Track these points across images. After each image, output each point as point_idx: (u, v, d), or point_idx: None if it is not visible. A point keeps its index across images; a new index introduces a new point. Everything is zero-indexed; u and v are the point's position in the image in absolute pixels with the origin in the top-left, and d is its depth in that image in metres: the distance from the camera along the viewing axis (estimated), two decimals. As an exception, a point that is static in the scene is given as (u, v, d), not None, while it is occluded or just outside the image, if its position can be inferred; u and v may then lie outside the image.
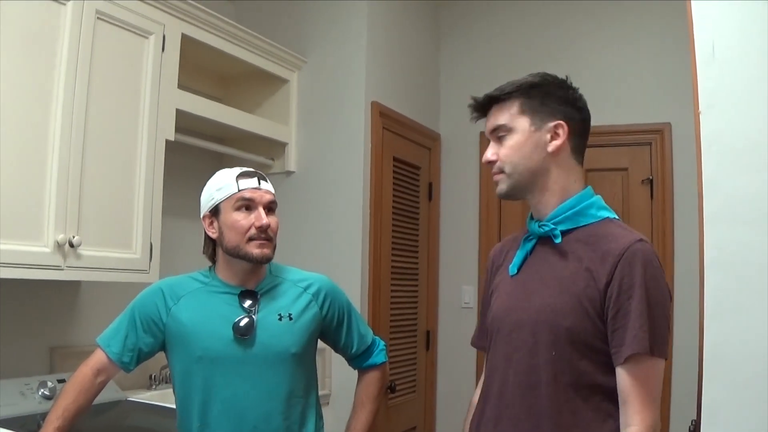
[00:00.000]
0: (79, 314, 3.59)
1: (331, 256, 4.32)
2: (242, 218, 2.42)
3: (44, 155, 2.88)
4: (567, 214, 2.01)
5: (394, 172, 4.71)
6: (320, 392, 4.03)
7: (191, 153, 4.08)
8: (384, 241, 4.55)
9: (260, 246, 2.43)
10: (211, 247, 2.53)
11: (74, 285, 3.55)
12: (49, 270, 2.90)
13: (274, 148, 4.49)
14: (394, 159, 4.72)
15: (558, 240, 1.99)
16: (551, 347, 1.92)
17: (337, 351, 2.75)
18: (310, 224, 4.42)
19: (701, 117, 1.67)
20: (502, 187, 2.10)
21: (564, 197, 2.03)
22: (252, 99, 4.53)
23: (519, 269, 2.09)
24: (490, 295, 2.22)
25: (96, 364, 2.46)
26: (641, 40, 4.82)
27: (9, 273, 2.74)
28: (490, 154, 2.12)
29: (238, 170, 2.49)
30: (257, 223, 2.42)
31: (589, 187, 2.07)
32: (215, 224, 2.46)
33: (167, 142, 3.49)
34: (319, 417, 2.61)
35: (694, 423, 1.83)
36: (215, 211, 2.46)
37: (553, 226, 2.01)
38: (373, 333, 2.81)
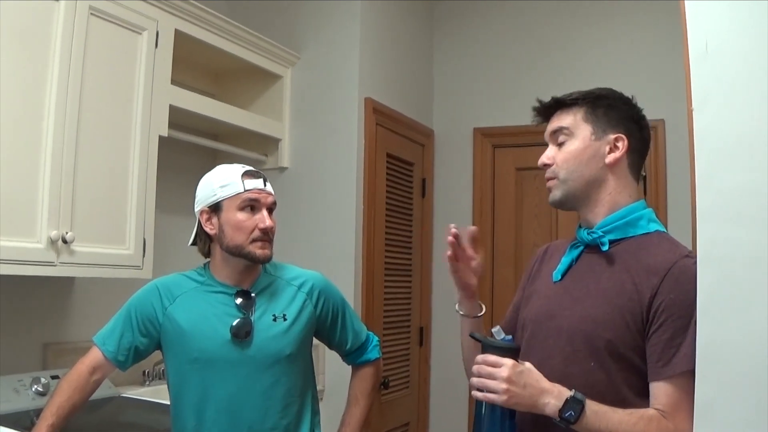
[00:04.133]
0: (73, 310, 3.58)
1: (325, 252, 4.32)
2: (246, 219, 2.43)
3: (37, 151, 2.87)
4: (617, 223, 2.00)
5: (387, 168, 4.71)
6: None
7: (184, 149, 4.07)
8: (377, 237, 4.55)
9: (262, 247, 2.45)
10: (207, 242, 2.53)
11: (67, 281, 3.55)
12: (42, 266, 2.89)
13: (267, 144, 4.49)
14: (388, 155, 4.72)
15: (605, 248, 1.98)
16: (590, 358, 1.91)
17: (331, 347, 2.76)
18: (303, 220, 4.42)
19: (694, 114, 1.67)
20: (556, 193, 2.07)
21: (614, 210, 2.02)
22: (245, 95, 4.52)
23: (563, 275, 2.07)
24: (527, 297, 2.20)
25: (92, 362, 2.46)
26: (635, 37, 4.83)
27: (2, 269, 2.74)
28: (546, 157, 2.09)
29: (240, 168, 2.49)
30: (261, 225, 2.43)
31: (643, 200, 2.06)
32: (214, 221, 2.46)
33: (160, 138, 3.48)
34: (315, 413, 2.63)
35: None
36: (215, 208, 2.45)
37: (601, 234, 1.99)
38: (367, 329, 2.82)
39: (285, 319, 2.49)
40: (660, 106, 4.53)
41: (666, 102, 4.36)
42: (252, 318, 2.45)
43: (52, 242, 2.89)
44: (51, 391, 3.15)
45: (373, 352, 2.80)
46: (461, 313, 2.23)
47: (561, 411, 1.80)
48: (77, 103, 3.01)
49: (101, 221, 3.16)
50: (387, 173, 4.71)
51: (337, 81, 4.44)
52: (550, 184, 2.09)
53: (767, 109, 1.57)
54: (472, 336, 1.97)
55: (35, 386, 3.13)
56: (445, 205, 5.35)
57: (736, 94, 1.63)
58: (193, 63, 4.18)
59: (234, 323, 2.41)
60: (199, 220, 2.50)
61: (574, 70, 4.89)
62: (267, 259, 2.48)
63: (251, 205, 2.44)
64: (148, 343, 2.49)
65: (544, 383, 1.84)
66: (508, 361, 1.84)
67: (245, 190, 2.43)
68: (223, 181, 2.45)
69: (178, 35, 3.61)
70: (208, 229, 2.47)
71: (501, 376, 1.82)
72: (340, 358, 2.83)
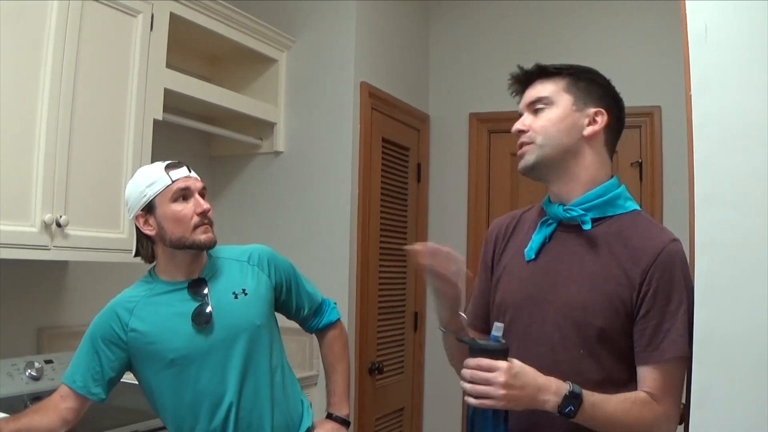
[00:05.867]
0: (67, 294, 3.58)
1: (320, 236, 4.32)
2: (182, 208, 2.41)
3: (32, 135, 2.86)
4: (595, 202, 1.97)
5: (382, 152, 4.71)
6: (307, 373, 4.06)
7: (179, 132, 4.06)
8: (372, 221, 4.55)
9: (205, 231, 2.43)
10: (149, 246, 2.50)
11: (61, 265, 3.54)
12: (36, 250, 2.88)
13: (262, 127, 4.48)
14: (383, 140, 4.71)
15: (588, 227, 1.94)
16: (579, 345, 1.90)
17: (290, 317, 2.77)
18: (298, 204, 4.42)
19: (693, 99, 1.67)
20: (529, 158, 2.01)
21: (591, 187, 1.99)
22: (240, 79, 4.51)
23: (537, 254, 2.03)
24: (497, 277, 2.15)
25: (60, 392, 2.42)
26: (631, 23, 4.81)
27: (-4, 253, 2.73)
28: (522, 123, 2.04)
29: (161, 163, 2.48)
30: (198, 210, 2.42)
31: (616, 176, 2.04)
32: (151, 221, 2.43)
33: (155, 121, 3.47)
34: (296, 381, 2.68)
35: (683, 405, 1.84)
36: (149, 208, 2.42)
37: (582, 212, 1.96)
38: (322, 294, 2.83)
39: (245, 294, 2.50)
40: (656, 92, 4.53)
41: (662, 89, 4.38)
42: (210, 302, 2.44)
43: (46, 226, 2.88)
44: (45, 376, 3.16)
45: (332, 314, 2.82)
46: (444, 330, 2.13)
47: (561, 407, 1.78)
48: (71, 87, 2.99)
49: (95, 205, 3.15)
50: (382, 158, 4.70)
51: (333, 65, 4.42)
52: (524, 149, 2.03)
53: (766, 93, 1.56)
54: (459, 339, 1.92)
55: (29, 370, 3.13)
56: (441, 190, 5.34)
57: (735, 79, 1.63)
58: (188, 46, 4.16)
59: (193, 311, 2.42)
60: (136, 227, 2.48)
61: (570, 56, 4.82)
62: (212, 243, 2.47)
63: (183, 194, 2.42)
64: (118, 367, 2.44)
65: (540, 380, 1.81)
66: (502, 365, 1.77)
67: (173, 181, 2.42)
68: (148, 180, 2.43)
69: (173, 18, 3.59)
70: (148, 231, 2.44)
71: (498, 381, 1.76)
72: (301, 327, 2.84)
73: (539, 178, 2.05)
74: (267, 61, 4.48)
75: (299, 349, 4.11)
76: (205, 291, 2.46)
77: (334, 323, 2.82)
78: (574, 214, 1.97)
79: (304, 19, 4.51)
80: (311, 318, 2.78)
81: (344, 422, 2.76)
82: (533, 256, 2.04)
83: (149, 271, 2.56)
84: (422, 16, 5.35)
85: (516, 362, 1.82)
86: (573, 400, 1.78)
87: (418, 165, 5.23)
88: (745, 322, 1.55)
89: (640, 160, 4.68)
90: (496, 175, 5.19)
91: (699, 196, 1.65)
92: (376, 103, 4.58)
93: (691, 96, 1.68)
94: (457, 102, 5.30)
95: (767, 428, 1.51)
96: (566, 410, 1.78)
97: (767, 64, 1.57)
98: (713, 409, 1.60)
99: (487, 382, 1.77)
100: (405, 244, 4.95)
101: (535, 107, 2.04)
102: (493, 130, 5.19)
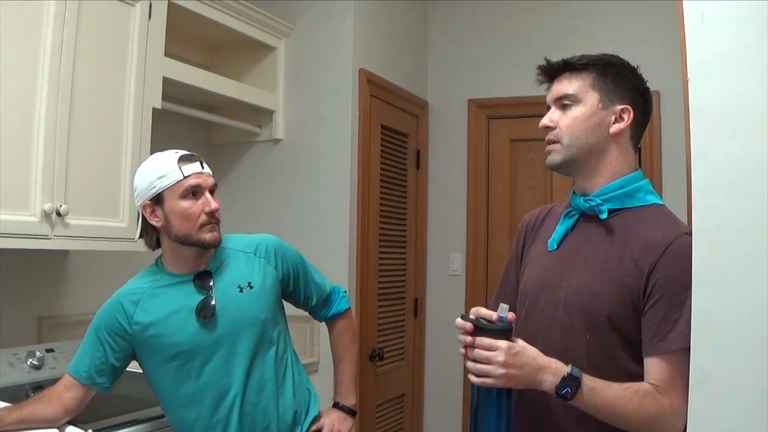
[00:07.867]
0: (67, 283, 3.58)
1: (319, 223, 4.32)
2: (191, 205, 2.39)
3: (30, 124, 2.85)
4: (615, 193, 1.99)
5: (381, 139, 4.71)
6: (308, 360, 4.07)
7: (178, 121, 4.05)
8: (372, 208, 4.55)
9: (211, 230, 2.42)
10: (154, 235, 2.49)
11: (62, 254, 3.54)
12: (37, 239, 2.88)
13: (261, 115, 4.48)
14: (382, 126, 4.71)
15: (604, 216, 1.97)
16: (586, 331, 1.92)
17: (298, 306, 2.77)
18: (297, 192, 4.42)
19: (690, 85, 1.67)
20: (556, 157, 2.04)
21: (613, 180, 2.01)
22: (239, 67, 4.50)
23: (559, 244, 2.07)
24: (524, 266, 2.18)
25: (64, 382, 2.45)
26: (629, 8, 4.80)
27: (-4, 242, 2.73)
28: (548, 120, 2.05)
29: (175, 154, 2.45)
30: (207, 209, 2.40)
31: (640, 170, 2.06)
32: (159, 212, 2.42)
33: (154, 110, 3.46)
34: (301, 371, 2.67)
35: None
36: (157, 199, 2.41)
37: (599, 202, 1.98)
38: (349, 292, 2.82)
39: (251, 287, 2.50)
40: (655, 77, 4.46)
41: (661, 73, 4.34)
42: (215, 295, 2.44)
43: (46, 215, 2.88)
44: (46, 365, 3.17)
45: (342, 303, 2.82)
46: None
47: (558, 388, 1.80)
48: (70, 76, 2.99)
49: (95, 194, 3.15)
50: (381, 145, 4.71)
51: (331, 52, 4.42)
52: (550, 147, 2.06)
53: (763, 79, 1.56)
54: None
55: (30, 360, 3.14)
56: (440, 177, 5.35)
57: (732, 64, 1.63)
58: (186, 35, 4.15)
59: (196, 306, 2.42)
60: (142, 214, 2.47)
61: (569, 41, 4.86)
62: (217, 243, 2.46)
63: (193, 191, 2.40)
64: (123, 357, 2.46)
65: (541, 360, 1.84)
66: (502, 344, 1.80)
67: (184, 177, 2.39)
68: (160, 171, 2.40)
69: (171, 7, 3.58)
70: (154, 222, 2.43)
71: (497, 360, 1.79)
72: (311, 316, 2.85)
73: (565, 174, 2.09)
74: (265, 49, 4.47)
75: (300, 335, 4.12)
76: (211, 284, 2.46)
77: (343, 313, 2.82)
78: (593, 203, 2.00)
79: (302, 6, 4.50)
80: (320, 308, 2.78)
81: (351, 411, 2.76)
82: (555, 246, 2.08)
83: (156, 261, 2.56)
84: (420, 2, 5.34)
85: (518, 342, 1.84)
86: (570, 382, 1.80)
87: (418, 151, 5.24)
88: (743, 307, 1.56)
89: (639, 146, 4.67)
90: (495, 161, 5.20)
91: (696, 181, 1.65)
92: (375, 90, 4.58)
93: (688, 82, 1.68)
94: (455, 88, 5.30)
95: (766, 413, 1.52)
96: (563, 392, 1.80)
97: (765, 51, 1.57)
98: (711, 394, 1.61)
99: (487, 361, 1.81)
100: (404, 231, 4.98)
101: (562, 102, 2.05)
102: (492, 116, 5.19)
